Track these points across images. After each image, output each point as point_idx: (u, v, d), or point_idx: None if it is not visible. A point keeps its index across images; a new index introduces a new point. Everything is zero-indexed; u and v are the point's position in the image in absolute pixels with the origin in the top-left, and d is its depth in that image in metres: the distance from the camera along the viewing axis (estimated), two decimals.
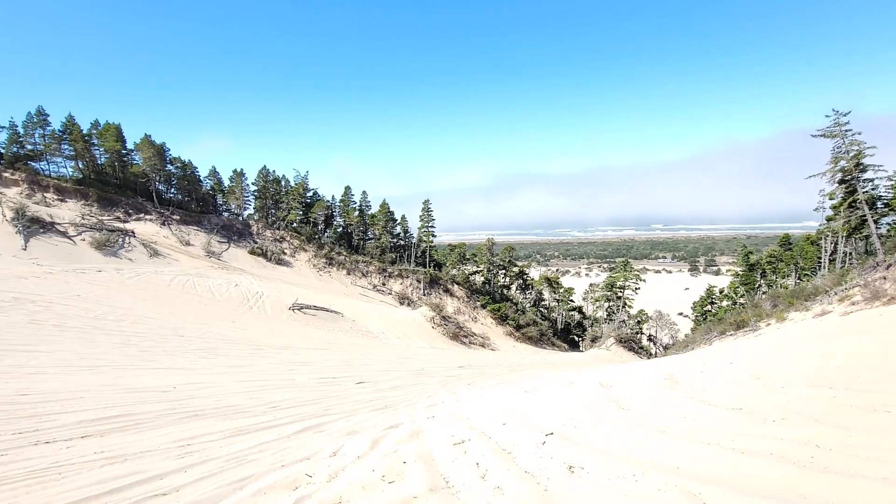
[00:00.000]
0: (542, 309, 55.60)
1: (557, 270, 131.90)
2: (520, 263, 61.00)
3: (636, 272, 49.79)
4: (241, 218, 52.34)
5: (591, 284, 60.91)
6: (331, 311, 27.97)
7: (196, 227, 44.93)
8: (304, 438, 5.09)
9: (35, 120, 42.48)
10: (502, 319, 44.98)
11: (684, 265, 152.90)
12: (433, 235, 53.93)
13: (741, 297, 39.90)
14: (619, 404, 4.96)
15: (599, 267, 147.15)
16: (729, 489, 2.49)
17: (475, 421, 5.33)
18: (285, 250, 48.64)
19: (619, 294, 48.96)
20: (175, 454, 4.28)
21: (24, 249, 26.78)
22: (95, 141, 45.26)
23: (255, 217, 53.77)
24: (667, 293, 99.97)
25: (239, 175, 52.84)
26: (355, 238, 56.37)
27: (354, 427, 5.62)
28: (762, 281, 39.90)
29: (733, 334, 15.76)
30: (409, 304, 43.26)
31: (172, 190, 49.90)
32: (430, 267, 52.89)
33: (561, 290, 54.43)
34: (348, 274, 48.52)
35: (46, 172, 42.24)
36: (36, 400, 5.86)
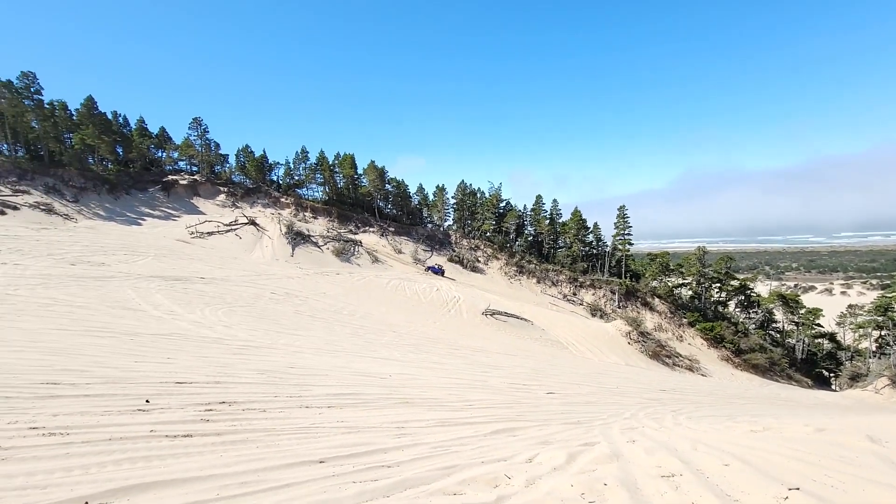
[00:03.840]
0: (772, 332, 45.62)
1: (796, 286, 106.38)
2: (740, 276, 51.29)
3: None
4: (441, 228, 58.00)
5: (850, 305, 47.11)
6: (521, 319, 28.48)
7: (406, 238, 51.79)
8: (498, 440, 5.27)
9: (300, 156, 55.99)
10: (716, 341, 38.47)
11: None
12: (629, 244, 49.85)
13: None
14: None
15: (863, 283, 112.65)
16: None
17: (686, 455, 4.66)
18: (479, 258, 51.79)
19: None
20: (392, 433, 4.96)
21: (292, 256, 35.38)
22: (337, 169, 56.72)
23: (454, 227, 58.85)
24: None
25: (441, 190, 58.72)
26: (546, 246, 56.27)
27: (547, 437, 5.56)
28: None
29: None
30: (601, 317, 40.88)
31: (389, 206, 58.79)
32: (625, 277, 48.97)
33: (801, 311, 43.64)
34: (538, 282, 48.68)
35: (306, 196, 55.30)
36: (300, 373, 7.59)
